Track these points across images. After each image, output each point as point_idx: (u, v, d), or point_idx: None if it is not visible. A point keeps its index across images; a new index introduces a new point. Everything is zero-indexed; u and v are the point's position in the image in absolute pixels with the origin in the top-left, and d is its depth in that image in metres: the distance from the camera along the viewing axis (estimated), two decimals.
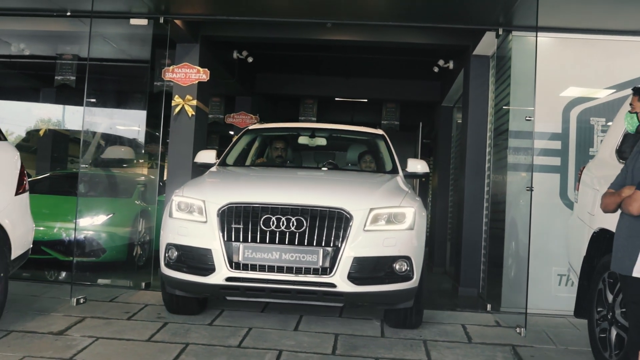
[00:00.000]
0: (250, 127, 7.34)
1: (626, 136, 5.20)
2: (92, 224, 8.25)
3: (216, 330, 5.36)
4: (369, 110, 14.78)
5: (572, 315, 5.73)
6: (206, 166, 6.46)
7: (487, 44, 7.74)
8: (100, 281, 7.50)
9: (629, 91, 6.60)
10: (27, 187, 5.49)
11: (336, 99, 14.24)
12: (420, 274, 5.21)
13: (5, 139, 5.42)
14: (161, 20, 7.11)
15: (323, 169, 6.97)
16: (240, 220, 4.95)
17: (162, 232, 5.37)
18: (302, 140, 7.38)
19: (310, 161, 8.28)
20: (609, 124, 6.96)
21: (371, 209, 5.05)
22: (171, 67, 8.10)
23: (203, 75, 8.12)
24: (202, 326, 5.46)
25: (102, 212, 8.32)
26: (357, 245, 4.90)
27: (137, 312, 5.91)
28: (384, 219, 5.07)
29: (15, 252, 5.29)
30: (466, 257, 8.15)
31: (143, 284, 7.04)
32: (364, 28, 8.47)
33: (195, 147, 8.12)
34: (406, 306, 5.37)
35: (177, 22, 7.48)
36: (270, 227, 4.91)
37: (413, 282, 5.13)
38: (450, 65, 9.98)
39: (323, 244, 4.87)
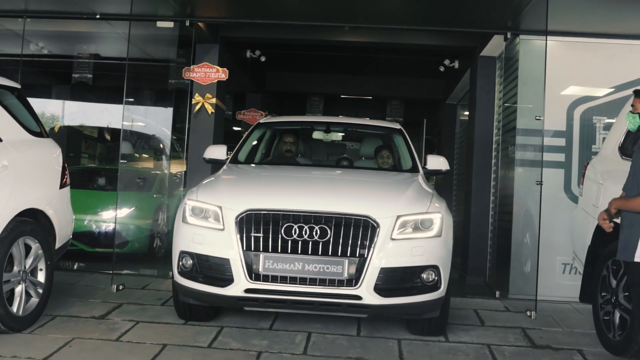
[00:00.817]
0: (261, 121, 7.00)
1: (628, 134, 5.59)
2: (115, 216, 8.61)
3: (246, 319, 5.73)
4: (374, 107, 15.17)
5: (576, 301, 6.16)
6: (216, 162, 6.28)
7: (494, 46, 8.14)
8: (126, 271, 7.85)
9: (629, 92, 7.01)
10: (68, 181, 5.86)
11: (342, 96, 14.60)
12: (447, 283, 4.97)
13: (48, 136, 5.79)
14: (187, 23, 7.50)
15: (338, 169, 6.62)
16: (260, 229, 4.66)
17: (175, 237, 5.09)
18: (317, 135, 7.20)
19: (322, 154, 8.03)
20: (610, 121, 7.38)
21: (398, 216, 4.76)
22: (192, 67, 8.47)
23: (222, 74, 8.48)
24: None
25: (125, 205, 8.69)
26: (384, 255, 4.64)
27: (168, 298, 6.28)
28: (411, 226, 4.80)
29: (59, 242, 5.68)
30: (473, 248, 8.55)
31: (170, 273, 7.41)
32: (376, 30, 8.84)
33: (215, 144, 8.49)
34: (432, 316, 5.09)
35: (200, 24, 7.85)
36: (293, 236, 4.62)
37: (440, 292, 4.87)
38: (456, 64, 10.38)
39: (348, 254, 4.60)
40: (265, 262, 4.60)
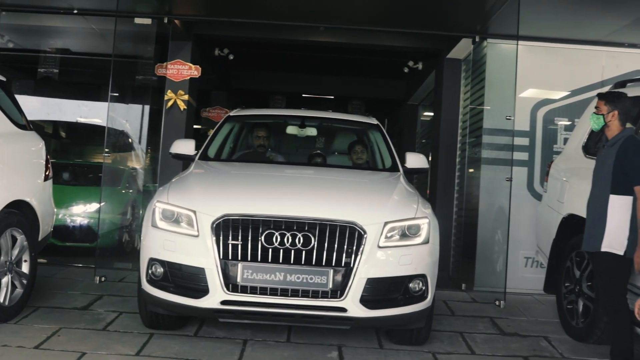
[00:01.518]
0: (231, 114, 6.60)
1: (591, 134, 5.94)
2: (85, 211, 8.64)
3: None
4: (335, 106, 15.37)
5: (538, 293, 6.52)
6: (183, 158, 5.94)
7: (460, 49, 8.46)
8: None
9: (589, 94, 7.45)
10: (51, 174, 5.92)
11: (303, 95, 14.79)
12: (434, 292, 4.71)
13: (32, 129, 5.84)
14: (165, 20, 7.59)
15: (316, 168, 6.10)
16: (238, 236, 4.29)
17: (144, 242, 4.69)
18: (291, 130, 6.86)
19: (294, 149, 7.95)
20: (567, 122, 7.80)
21: (386, 223, 4.46)
22: (164, 64, 8.55)
23: (195, 71, 8.59)
24: None
25: (95, 200, 8.72)
26: (371, 264, 4.33)
27: None
28: (398, 233, 4.50)
29: (42, 235, 5.74)
30: None
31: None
32: (344, 30, 9.05)
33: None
34: (418, 326, 4.83)
35: (176, 21, 7.95)
36: (274, 244, 4.27)
37: (427, 302, 4.61)
38: (420, 66, 10.68)
39: (333, 264, 4.27)
40: (244, 272, 4.25)
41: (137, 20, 7.45)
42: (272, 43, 10.27)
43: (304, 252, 4.28)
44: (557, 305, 5.90)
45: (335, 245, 4.30)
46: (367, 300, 4.32)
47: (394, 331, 5.00)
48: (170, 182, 5.10)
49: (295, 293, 4.27)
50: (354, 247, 4.31)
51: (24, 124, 5.67)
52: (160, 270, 4.51)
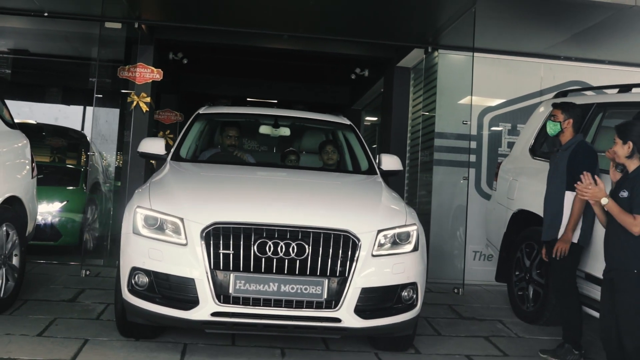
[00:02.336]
0: (201, 112, 6.45)
1: (537, 138, 6.60)
2: (48, 210, 8.76)
3: None
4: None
5: (487, 283, 7.15)
6: (152, 157, 5.86)
7: (410, 58, 9.06)
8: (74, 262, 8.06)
9: (529, 102, 8.20)
10: (36, 172, 6.13)
11: (248, 99, 15.16)
12: (422, 299, 4.70)
13: (17, 128, 6.03)
14: (136, 25, 7.86)
15: (295, 170, 6.05)
16: (229, 245, 4.15)
17: (125, 250, 4.45)
18: (264, 130, 6.66)
19: (265, 147, 7.78)
20: (511, 127, 8.52)
21: (379, 231, 4.42)
22: (127, 67, 8.78)
23: (157, 75, 8.85)
24: None
25: (57, 199, 8.86)
26: (365, 273, 4.26)
27: None
28: (390, 241, 4.48)
29: (28, 230, 5.95)
30: None
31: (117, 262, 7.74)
32: (302, 38, 9.49)
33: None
34: (406, 334, 4.85)
35: (143, 26, 8.22)
36: (267, 253, 4.14)
37: (417, 310, 4.61)
38: (366, 73, 11.25)
39: (328, 273, 4.18)
40: (237, 283, 4.10)
41: (108, 25, 7.68)
42: (228, 48, 10.59)
43: (298, 261, 4.15)
44: (508, 293, 6.53)
45: (330, 255, 4.20)
46: (361, 310, 4.26)
47: (380, 338, 4.94)
48: (149, 186, 4.87)
49: (289, 304, 4.15)
50: (349, 256, 4.23)
51: (12, 123, 5.87)
52: (144, 280, 4.29)
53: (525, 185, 6.39)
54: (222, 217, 4.26)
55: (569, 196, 4.98)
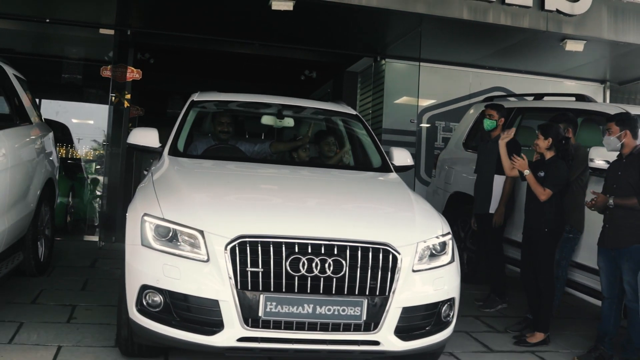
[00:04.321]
0: (195, 98, 5.85)
1: (469, 134, 8.13)
2: None
3: None
4: None
5: None
6: (144, 150, 5.30)
7: (359, 64, 10.51)
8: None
9: (460, 104, 9.78)
10: (58, 159, 7.20)
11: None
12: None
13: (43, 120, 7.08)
14: (128, 32, 8.96)
15: (312, 168, 5.46)
16: (258, 261, 3.68)
17: (133, 265, 3.93)
18: (267, 120, 6.13)
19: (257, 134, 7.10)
20: (444, 124, 10.10)
21: (418, 243, 4.01)
22: (109, 66, 9.82)
23: (136, 74, 9.93)
24: None
25: None
26: (406, 291, 3.88)
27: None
28: (428, 253, 4.07)
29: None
30: None
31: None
32: (257, 44, 10.68)
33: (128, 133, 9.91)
34: (438, 353, 4.48)
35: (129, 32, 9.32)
36: (301, 271, 3.69)
37: (452, 329, 4.24)
38: (314, 75, 12.62)
39: (367, 292, 3.77)
40: (267, 305, 3.66)
41: (102, 31, 8.77)
42: (196, 51, 11.68)
43: (334, 279, 3.72)
44: None
45: (369, 271, 3.78)
46: (401, 330, 3.90)
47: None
48: (154, 187, 4.34)
49: (324, 327, 3.74)
50: (389, 272, 3.82)
51: (40, 116, 6.93)
52: (158, 300, 3.79)
53: (460, 172, 7.92)
54: (249, 230, 3.77)
55: (497, 179, 6.47)
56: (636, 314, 4.77)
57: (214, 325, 3.72)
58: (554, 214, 5.43)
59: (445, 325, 4.16)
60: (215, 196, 4.35)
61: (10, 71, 6.09)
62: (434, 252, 4.10)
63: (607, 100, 10.72)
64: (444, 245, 4.20)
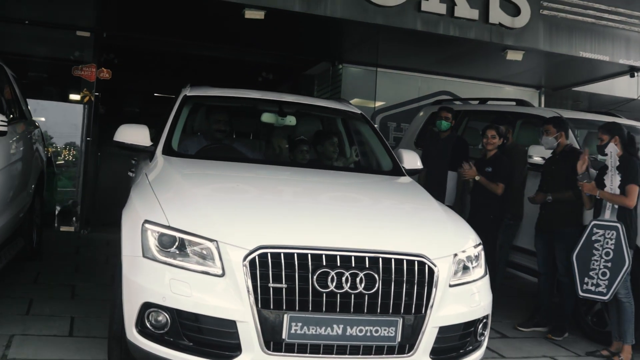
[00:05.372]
0: (188, 94, 5.39)
1: (419, 134, 8.95)
2: None
3: None
4: None
5: None
6: (132, 149, 4.78)
7: (317, 68, 11.25)
8: None
9: (410, 106, 10.63)
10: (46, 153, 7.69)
11: (155, 94, 16.66)
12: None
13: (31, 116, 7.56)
14: (104, 35, 9.46)
15: (321, 170, 5.13)
16: (281, 276, 3.29)
17: (130, 279, 3.49)
18: (267, 118, 5.61)
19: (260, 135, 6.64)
20: (396, 124, 10.93)
21: (455, 255, 3.69)
22: (80, 66, 10.28)
23: (106, 74, 10.41)
24: None
25: None
26: (443, 308, 3.53)
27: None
28: (463, 266, 3.75)
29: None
30: None
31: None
32: (220, 47, 11.26)
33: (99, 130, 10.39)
34: None
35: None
36: (329, 286, 3.30)
37: (484, 349, 3.92)
38: (271, 76, 13.28)
39: (402, 311, 3.41)
40: (292, 326, 3.27)
41: (79, 33, 9.26)
42: (159, 53, 12.19)
43: (366, 296, 3.35)
44: None
45: (404, 286, 3.43)
46: (437, 352, 3.56)
47: None
48: (153, 190, 3.91)
49: (355, 350, 3.38)
50: (425, 288, 3.47)
51: (29, 112, 7.41)
52: (164, 320, 3.37)
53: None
54: (270, 239, 3.39)
55: (450, 174, 7.27)
56: (567, 286, 5.67)
57: (230, 349, 3.31)
58: (498, 203, 6.29)
59: (479, 345, 3.84)
60: (228, 201, 3.94)
61: (7, 70, 6.57)
62: (467, 264, 3.76)
63: (543, 105, 11.77)
64: (477, 257, 3.87)
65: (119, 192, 9.23)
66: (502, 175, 6.25)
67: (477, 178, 6.33)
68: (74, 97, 10.74)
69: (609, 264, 5.19)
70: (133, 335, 3.44)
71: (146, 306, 3.38)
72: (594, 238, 5.30)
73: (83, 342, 4.52)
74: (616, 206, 5.22)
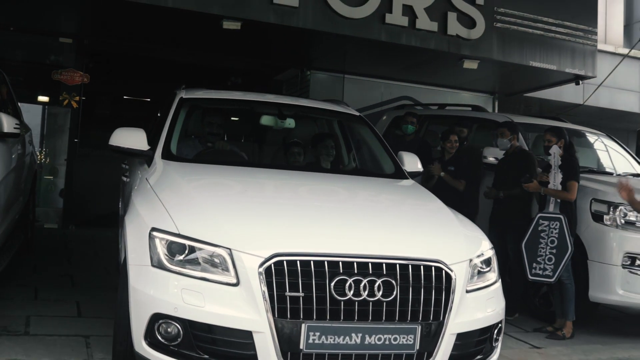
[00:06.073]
0: (184, 96, 5.31)
1: (383, 137, 9.59)
2: None
3: None
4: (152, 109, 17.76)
5: None
6: (128, 153, 4.68)
7: (285, 74, 11.86)
8: None
9: (374, 110, 11.30)
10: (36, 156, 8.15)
11: (124, 97, 17.01)
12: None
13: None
14: (85, 42, 9.92)
15: (327, 174, 5.05)
16: (297, 284, 3.24)
17: (138, 288, 3.42)
18: (267, 121, 5.62)
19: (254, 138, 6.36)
20: None
21: (471, 260, 3.68)
22: (59, 70, 10.70)
23: (85, 78, 10.86)
24: None
25: None
26: (461, 314, 3.52)
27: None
28: (477, 271, 3.74)
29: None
30: None
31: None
32: (197, 53, 11.80)
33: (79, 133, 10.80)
34: None
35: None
36: (347, 294, 3.27)
37: (497, 355, 3.90)
38: (239, 81, 13.82)
39: (420, 318, 3.39)
40: (309, 335, 3.23)
41: (61, 39, 9.72)
42: (133, 57, 12.61)
43: (385, 304, 3.33)
44: None
45: (422, 293, 3.40)
46: (455, 359, 3.54)
47: None
48: (157, 195, 3.83)
49: (373, 359, 3.35)
50: (443, 294, 3.45)
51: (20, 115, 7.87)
52: (175, 330, 3.30)
53: None
54: (285, 247, 3.35)
55: None
56: (516, 272, 6.41)
57: (246, 358, 3.26)
58: (457, 198, 7.02)
59: (492, 351, 3.82)
60: (239, 207, 3.85)
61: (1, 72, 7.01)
62: (481, 268, 3.77)
63: (497, 110, 12.60)
64: (489, 261, 3.86)
65: (96, 191, 9.79)
66: (465, 173, 7.00)
67: (442, 175, 7.04)
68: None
69: (554, 251, 5.93)
70: (142, 347, 3.35)
71: (156, 317, 3.30)
72: (540, 228, 6.04)
73: (92, 322, 5.04)
74: (559, 200, 5.98)
